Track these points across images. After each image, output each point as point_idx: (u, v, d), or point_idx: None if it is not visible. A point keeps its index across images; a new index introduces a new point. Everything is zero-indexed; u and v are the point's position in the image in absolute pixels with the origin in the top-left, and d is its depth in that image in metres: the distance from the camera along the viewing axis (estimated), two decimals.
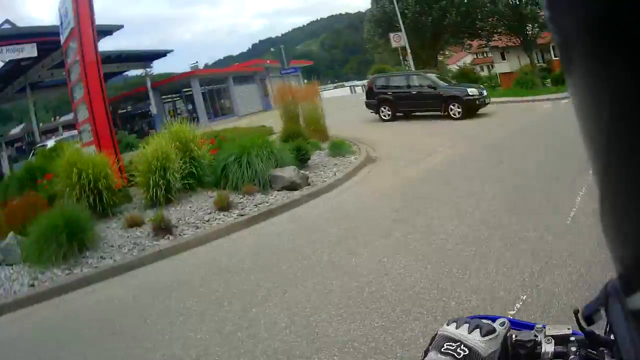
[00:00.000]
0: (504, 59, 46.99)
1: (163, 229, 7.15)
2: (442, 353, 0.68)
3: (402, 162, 9.80)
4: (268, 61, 41.56)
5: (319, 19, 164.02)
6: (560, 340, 0.71)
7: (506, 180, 7.08)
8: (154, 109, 30.02)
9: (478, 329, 0.70)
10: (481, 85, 17.06)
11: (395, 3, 24.95)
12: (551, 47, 43.75)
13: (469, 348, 0.67)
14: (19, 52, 12.37)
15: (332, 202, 7.83)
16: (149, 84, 29.87)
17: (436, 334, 0.73)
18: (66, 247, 6.42)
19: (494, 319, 0.75)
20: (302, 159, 9.94)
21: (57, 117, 40.77)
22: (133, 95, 35.82)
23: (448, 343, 0.69)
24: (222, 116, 33.46)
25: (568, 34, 0.32)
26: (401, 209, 6.53)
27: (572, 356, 0.68)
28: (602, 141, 0.32)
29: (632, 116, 0.28)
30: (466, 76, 31.84)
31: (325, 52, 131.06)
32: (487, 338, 0.69)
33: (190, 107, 33.44)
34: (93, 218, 7.64)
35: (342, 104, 25.77)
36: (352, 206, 7.30)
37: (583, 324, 0.62)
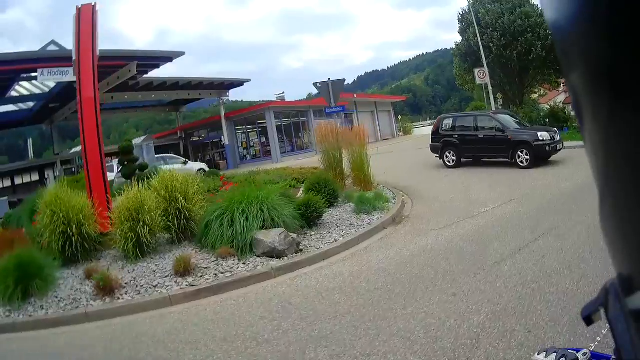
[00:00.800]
0: None
1: (102, 288, 6.23)
2: None
3: (430, 225, 7.85)
4: (355, 95, 40.37)
5: (424, 53, 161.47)
6: None
7: (541, 265, 5.10)
8: (225, 140, 30.06)
9: (563, 358, 0.82)
10: (555, 129, 14.42)
11: (479, 36, 22.87)
12: None
13: None
14: (63, 76, 12.40)
15: (301, 282, 6.00)
16: (222, 113, 29.97)
17: None
18: (11, 290, 6.16)
19: (577, 350, 0.88)
20: (309, 217, 8.34)
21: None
22: (207, 123, 35.94)
23: None
24: (299, 151, 32.54)
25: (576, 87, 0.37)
26: (370, 306, 4.72)
27: None
28: (602, 143, 0.34)
29: (631, 118, 0.32)
30: (555, 116, 28.89)
31: (429, 87, 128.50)
32: None
33: (263, 140, 32.65)
34: (59, 263, 7.24)
35: (423, 142, 23.73)
36: (314, 293, 5.45)
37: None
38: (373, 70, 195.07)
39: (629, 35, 0.31)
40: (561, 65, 0.38)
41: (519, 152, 13.17)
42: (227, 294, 5.95)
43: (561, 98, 51.78)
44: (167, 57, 21.92)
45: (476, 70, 23.41)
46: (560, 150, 13.40)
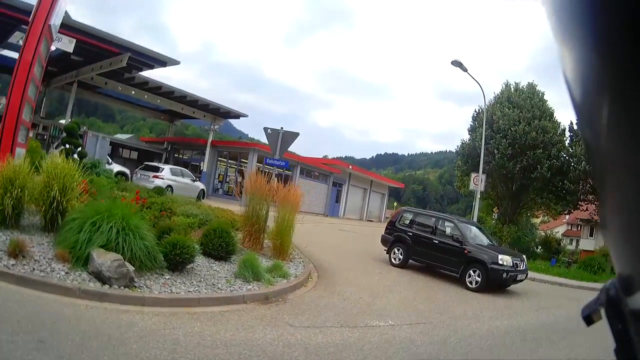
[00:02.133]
0: (591, 235, 42.98)
1: None
2: None
3: (297, 319, 6.31)
4: (350, 166, 39.35)
5: (447, 150, 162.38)
6: None
7: None
8: (204, 166, 28.91)
9: None
10: (522, 256, 12.93)
11: (483, 137, 20.77)
12: None
13: None
14: (56, 41, 11.83)
15: (88, 312, 4.64)
16: (210, 139, 29.28)
17: None
18: None
19: None
20: (172, 259, 6.91)
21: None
22: (194, 144, 35.03)
23: None
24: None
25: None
26: None
27: None
28: (601, 144, 0.34)
29: (628, 120, 0.33)
30: (547, 244, 27.55)
31: (441, 185, 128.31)
32: None
33: (240, 179, 30.93)
34: None
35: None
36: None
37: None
38: (393, 153, 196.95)
39: None
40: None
41: (470, 271, 11.60)
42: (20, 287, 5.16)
43: (562, 229, 51.01)
44: (161, 61, 21.66)
45: (472, 175, 21.41)
46: (521, 280, 12.04)
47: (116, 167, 22.52)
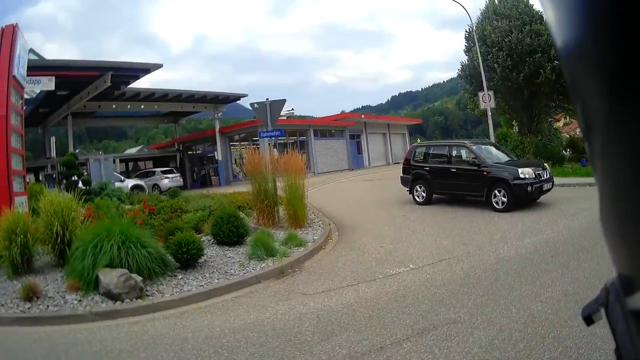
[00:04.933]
0: None
1: None
2: None
3: (311, 287, 6.20)
4: (363, 115, 38.75)
5: (457, 76, 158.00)
6: None
7: None
8: (219, 155, 28.91)
9: None
10: (545, 164, 12.36)
11: (479, 55, 20.20)
12: None
13: None
14: (35, 84, 11.92)
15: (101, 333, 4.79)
16: (217, 128, 29.11)
17: None
18: None
19: None
20: (182, 259, 6.92)
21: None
22: (204, 137, 34.86)
23: None
24: None
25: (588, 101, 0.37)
26: None
27: None
28: (601, 142, 0.34)
29: (628, 117, 0.32)
30: (574, 146, 26.58)
31: (460, 110, 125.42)
32: None
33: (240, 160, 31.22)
34: None
35: None
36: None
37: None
38: (407, 91, 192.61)
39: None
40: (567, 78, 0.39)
41: (495, 192, 11.16)
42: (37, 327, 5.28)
43: None
44: (144, 69, 21.57)
45: (480, 94, 20.89)
46: (548, 190, 11.44)
47: (130, 182, 23.11)
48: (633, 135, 0.31)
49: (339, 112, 41.49)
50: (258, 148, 11.62)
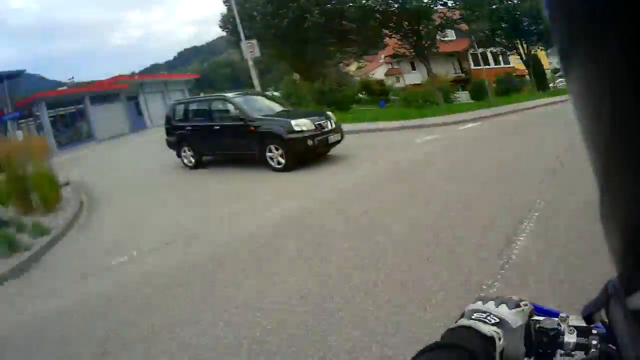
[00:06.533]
0: (414, 68, 40.34)
1: None
2: (472, 319, 0.66)
3: None
4: (136, 76, 36.03)
5: None
6: (583, 331, 0.67)
7: None
8: None
9: (504, 304, 0.69)
10: (328, 113, 11.22)
11: (233, 3, 18.78)
12: (469, 56, 39.23)
13: (499, 318, 0.66)
14: None
15: None
16: None
17: (464, 311, 0.70)
18: None
19: (520, 300, 0.74)
20: None
21: None
22: None
23: (477, 313, 0.67)
24: (77, 143, 29.12)
25: (569, 33, 0.33)
26: None
27: (592, 349, 0.65)
28: (602, 140, 0.33)
29: (633, 114, 0.30)
30: (369, 89, 27.38)
31: (245, 62, 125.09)
32: (514, 311, 0.67)
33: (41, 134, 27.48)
34: None
35: None
36: None
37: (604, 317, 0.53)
38: (192, 47, 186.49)
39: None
40: (549, 8, 0.33)
41: (271, 147, 9.96)
42: None
43: (383, 70, 47.84)
44: None
45: (242, 44, 18.70)
46: (337, 141, 10.46)
47: None
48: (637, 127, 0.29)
49: (130, 73, 38.01)
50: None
